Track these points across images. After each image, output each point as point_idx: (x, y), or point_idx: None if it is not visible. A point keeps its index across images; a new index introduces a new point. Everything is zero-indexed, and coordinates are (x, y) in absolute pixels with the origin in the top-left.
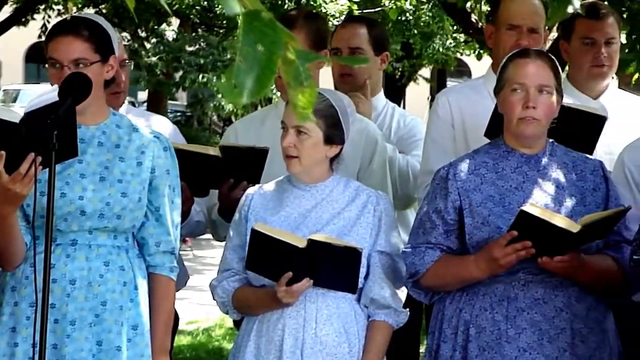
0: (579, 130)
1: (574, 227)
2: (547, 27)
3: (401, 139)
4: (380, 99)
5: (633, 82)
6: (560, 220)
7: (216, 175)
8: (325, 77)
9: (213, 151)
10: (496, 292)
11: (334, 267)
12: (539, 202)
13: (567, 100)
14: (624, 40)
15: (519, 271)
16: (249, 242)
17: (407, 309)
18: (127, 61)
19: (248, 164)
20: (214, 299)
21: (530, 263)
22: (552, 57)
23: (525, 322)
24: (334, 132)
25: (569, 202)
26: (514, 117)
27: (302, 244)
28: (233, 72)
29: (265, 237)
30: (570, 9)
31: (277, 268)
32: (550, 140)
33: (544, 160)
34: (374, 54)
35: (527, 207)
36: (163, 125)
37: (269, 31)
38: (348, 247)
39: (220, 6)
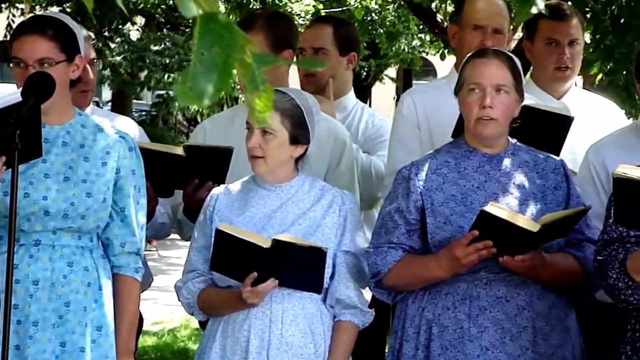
0: (545, 131)
1: (534, 227)
2: (512, 27)
3: (368, 139)
4: (350, 99)
5: (597, 82)
6: (520, 220)
7: (181, 175)
8: (292, 77)
9: (178, 150)
10: (459, 291)
11: (299, 267)
12: (501, 201)
13: (531, 101)
14: (587, 40)
15: (481, 270)
16: (213, 242)
17: (373, 309)
18: (95, 60)
19: (213, 164)
20: (179, 300)
21: (493, 262)
22: (512, 56)
23: (488, 320)
24: (300, 132)
25: (530, 201)
26: (471, 118)
27: (266, 244)
28: (189, 74)
29: (230, 237)
30: (534, 10)
31: (242, 268)
32: (513, 139)
33: (506, 159)
34: (340, 54)
35: (487, 207)
36: (128, 126)
37: (225, 34)
38: (313, 247)
39: None
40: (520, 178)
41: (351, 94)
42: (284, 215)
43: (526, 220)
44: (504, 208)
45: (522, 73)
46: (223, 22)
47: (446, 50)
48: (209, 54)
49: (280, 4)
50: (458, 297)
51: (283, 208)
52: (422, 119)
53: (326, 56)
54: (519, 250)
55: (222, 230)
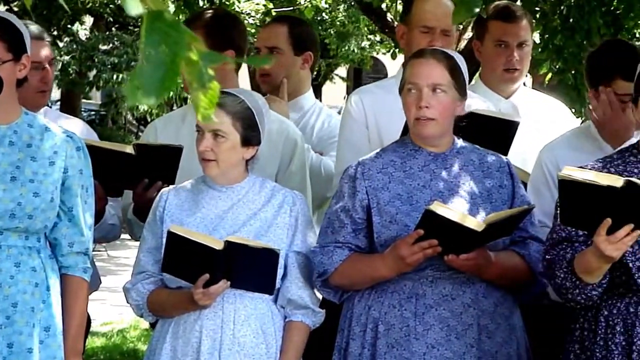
0: (491, 136)
1: (479, 226)
2: (461, 27)
3: (322, 139)
4: (307, 99)
5: (546, 82)
6: (464, 219)
7: (131, 175)
8: (244, 78)
9: (127, 149)
10: (404, 290)
11: (251, 268)
12: (447, 199)
13: (480, 101)
14: (537, 40)
15: (426, 268)
16: (165, 244)
17: (324, 309)
18: (53, 60)
19: (162, 163)
20: (127, 302)
21: (438, 260)
22: (452, 54)
23: (434, 318)
24: (251, 134)
25: (476, 199)
26: (411, 118)
27: (219, 245)
28: (136, 73)
29: (182, 239)
30: (472, 12)
31: (193, 270)
32: (458, 138)
33: (451, 158)
34: (294, 53)
35: (432, 206)
36: (77, 126)
37: (172, 32)
38: (265, 248)
39: None
40: (465, 177)
41: (308, 94)
42: (235, 216)
43: (471, 220)
44: (448, 207)
45: (463, 71)
46: (170, 21)
47: (397, 50)
48: (156, 52)
49: (229, 3)
50: (404, 296)
51: (234, 209)
52: (370, 119)
53: (280, 55)
54: (464, 249)
55: (173, 232)
